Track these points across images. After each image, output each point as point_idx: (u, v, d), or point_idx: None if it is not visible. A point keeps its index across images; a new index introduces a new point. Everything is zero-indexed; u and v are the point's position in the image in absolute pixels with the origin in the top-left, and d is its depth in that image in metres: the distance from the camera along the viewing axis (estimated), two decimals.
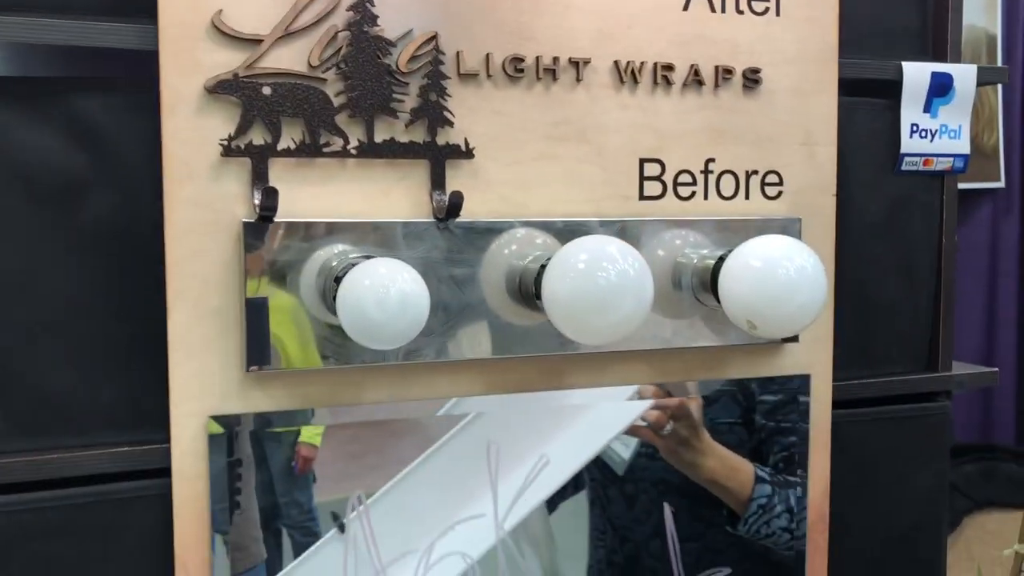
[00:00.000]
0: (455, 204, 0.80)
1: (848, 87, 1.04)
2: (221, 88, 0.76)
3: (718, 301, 0.85)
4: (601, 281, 0.75)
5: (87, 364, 0.79)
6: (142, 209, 0.78)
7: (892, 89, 1.05)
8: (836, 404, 1.03)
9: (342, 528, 0.82)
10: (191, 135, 0.76)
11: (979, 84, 1.07)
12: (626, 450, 0.93)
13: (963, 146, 1.07)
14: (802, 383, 0.97)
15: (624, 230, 0.89)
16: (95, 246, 0.79)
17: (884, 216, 1.05)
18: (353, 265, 0.74)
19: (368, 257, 0.75)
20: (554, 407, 0.89)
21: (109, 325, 0.79)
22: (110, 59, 0.81)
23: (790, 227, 0.95)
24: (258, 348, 0.78)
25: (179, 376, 0.77)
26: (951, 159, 1.08)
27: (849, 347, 1.04)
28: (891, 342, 1.08)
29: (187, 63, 0.76)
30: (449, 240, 0.82)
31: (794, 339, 0.96)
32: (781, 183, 0.96)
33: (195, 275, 0.77)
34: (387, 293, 0.68)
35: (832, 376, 1.00)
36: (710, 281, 0.87)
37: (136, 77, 0.78)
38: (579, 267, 0.76)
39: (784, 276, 0.80)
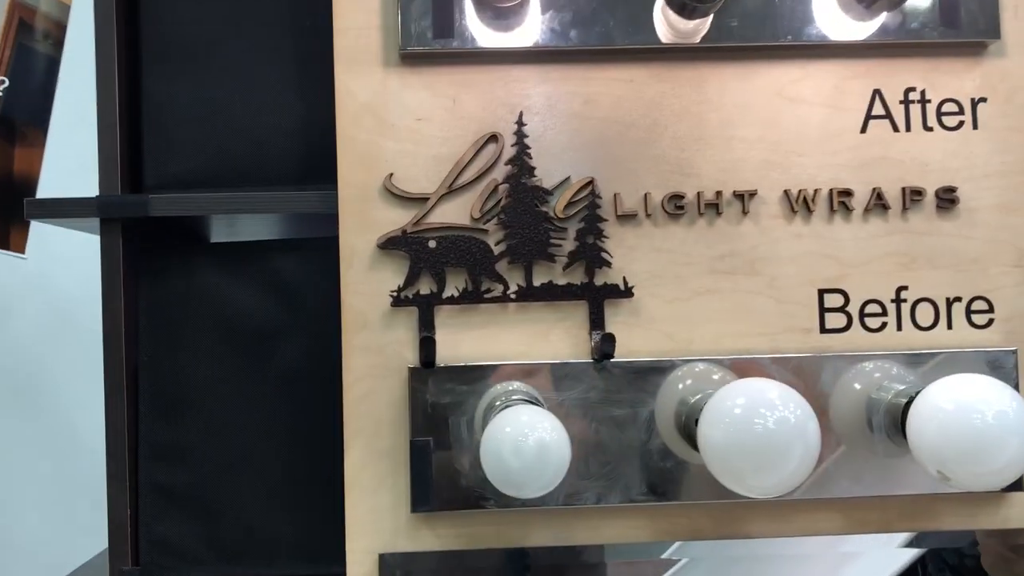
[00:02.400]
0: (607, 347, 0.80)
1: None
2: (391, 244, 0.83)
3: (905, 440, 0.77)
4: (758, 429, 0.71)
5: (279, 498, 0.86)
6: (326, 355, 0.85)
7: None
8: None
9: None
10: (365, 287, 0.83)
11: None
12: None
13: None
14: None
15: (803, 366, 0.84)
16: (288, 388, 0.87)
17: None
18: (502, 408, 0.75)
19: (518, 403, 0.76)
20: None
21: (298, 461, 0.86)
22: (302, 222, 0.90)
23: (1004, 359, 0.84)
24: (422, 489, 0.81)
25: (353, 513, 0.82)
26: None
27: None
28: None
29: (362, 222, 0.83)
30: (607, 380, 0.82)
31: (1018, 486, 0.84)
32: (991, 310, 0.86)
33: (368, 416, 0.83)
34: (525, 442, 0.69)
35: None
36: (900, 422, 0.79)
37: (321, 238, 0.87)
38: (735, 412, 0.72)
39: (980, 424, 0.71)
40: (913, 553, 0.85)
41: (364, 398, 0.83)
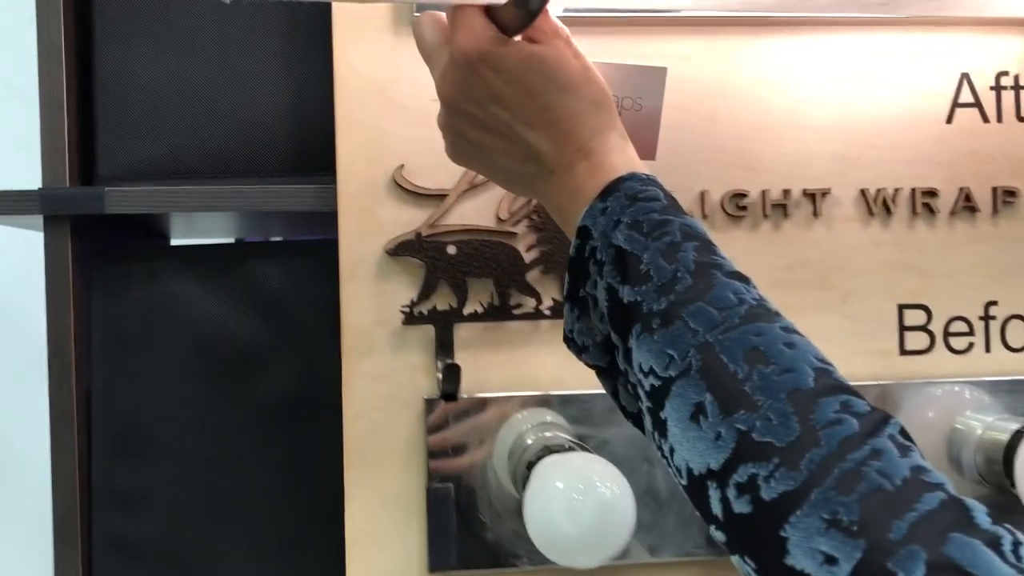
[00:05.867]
0: None
1: None
2: (403, 250, 0.69)
3: (1012, 485, 0.66)
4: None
5: (262, 548, 0.72)
6: (321, 383, 0.71)
7: None
8: None
9: None
10: (370, 302, 0.69)
11: None
12: None
13: None
14: None
15: (883, 393, 0.72)
16: (274, 422, 0.73)
17: None
18: (545, 453, 0.62)
19: (562, 448, 0.63)
20: None
21: (288, 510, 0.72)
22: (291, 222, 0.76)
23: None
24: (442, 546, 0.67)
25: (356, 573, 0.68)
26: None
27: None
28: None
29: (367, 224, 0.69)
30: None
31: None
32: None
33: (374, 457, 0.69)
34: (582, 501, 0.56)
35: None
36: (1002, 460, 0.68)
37: (315, 240, 0.73)
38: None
39: None
40: None
41: (370, 435, 0.69)
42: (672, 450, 0.42)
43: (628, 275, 0.46)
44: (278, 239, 0.76)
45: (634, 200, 0.47)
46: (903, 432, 0.39)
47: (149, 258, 0.74)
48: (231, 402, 0.72)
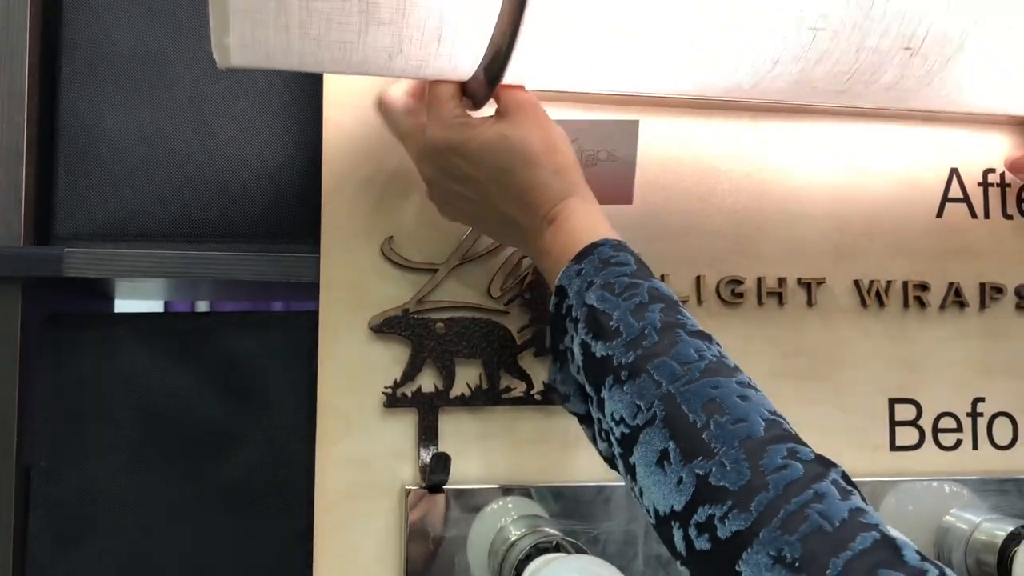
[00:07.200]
0: None
1: None
2: (388, 326, 0.65)
3: None
4: None
5: None
6: (293, 468, 0.66)
7: None
8: None
9: None
10: (350, 381, 0.64)
11: None
12: None
13: None
14: None
15: (873, 490, 0.70)
16: (236, 510, 0.67)
17: None
18: (535, 552, 0.58)
19: (550, 546, 0.59)
20: None
21: None
22: (266, 291, 0.71)
23: None
24: None
25: None
26: None
27: None
28: None
29: (351, 297, 0.65)
30: None
31: None
32: None
33: (347, 551, 0.63)
34: None
35: None
36: (996, 562, 0.67)
37: (290, 312, 0.68)
38: None
39: None
40: None
41: (343, 526, 0.64)
42: (642, 492, 0.46)
43: (600, 332, 0.49)
44: (250, 309, 0.71)
45: (606, 264, 0.51)
46: (845, 477, 0.41)
47: (106, 326, 0.67)
48: (191, 487, 0.66)
